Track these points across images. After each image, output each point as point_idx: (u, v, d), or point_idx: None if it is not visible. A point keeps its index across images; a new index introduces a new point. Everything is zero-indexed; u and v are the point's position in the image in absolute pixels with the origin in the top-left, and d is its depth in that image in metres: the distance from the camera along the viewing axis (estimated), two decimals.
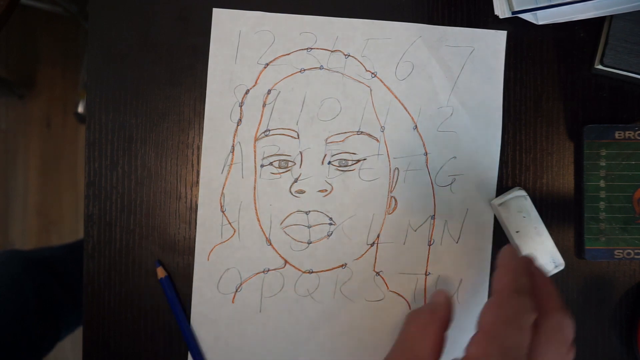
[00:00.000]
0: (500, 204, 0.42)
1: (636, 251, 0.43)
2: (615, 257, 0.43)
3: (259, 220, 0.44)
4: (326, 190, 0.44)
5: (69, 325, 0.74)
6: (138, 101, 0.44)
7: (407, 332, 0.32)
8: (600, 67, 0.43)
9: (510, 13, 0.43)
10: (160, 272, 0.44)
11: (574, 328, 0.32)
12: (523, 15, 0.43)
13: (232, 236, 0.44)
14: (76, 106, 1.29)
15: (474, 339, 0.30)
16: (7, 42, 1.35)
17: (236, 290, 0.44)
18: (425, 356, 0.31)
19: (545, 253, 0.41)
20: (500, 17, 0.43)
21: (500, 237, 0.44)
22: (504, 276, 0.32)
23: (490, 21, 0.44)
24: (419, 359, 0.31)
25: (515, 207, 0.41)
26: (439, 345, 0.32)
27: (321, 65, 0.44)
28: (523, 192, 0.41)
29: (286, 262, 0.44)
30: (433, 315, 0.33)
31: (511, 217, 0.41)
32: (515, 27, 0.44)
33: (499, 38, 0.44)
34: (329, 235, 0.44)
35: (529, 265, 0.34)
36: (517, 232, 0.41)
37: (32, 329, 0.64)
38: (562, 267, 0.42)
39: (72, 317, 0.73)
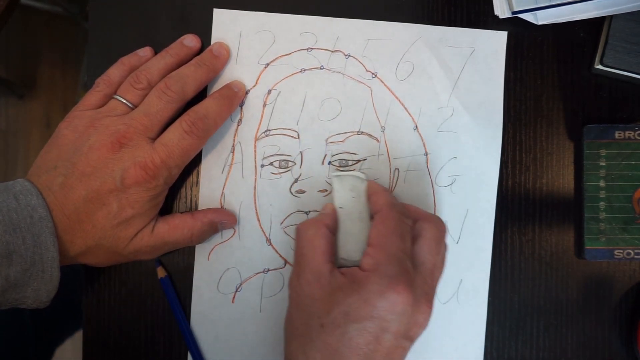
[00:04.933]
0: (337, 176, 0.41)
1: (636, 251, 0.43)
2: (615, 257, 0.43)
3: (259, 220, 0.44)
4: (326, 191, 0.44)
5: (68, 330, 0.74)
6: None
7: (299, 245, 0.37)
8: (600, 67, 0.43)
9: (510, 13, 0.43)
10: (160, 272, 0.44)
11: (445, 225, 0.38)
12: (523, 15, 0.43)
13: (232, 236, 0.44)
14: None
15: (366, 253, 0.36)
16: (7, 42, 1.35)
17: (236, 290, 0.44)
18: (318, 260, 0.36)
19: (359, 241, 0.39)
20: (500, 17, 0.43)
21: (501, 237, 0.45)
22: (380, 197, 0.38)
23: (490, 21, 0.44)
24: (314, 263, 0.36)
25: (350, 185, 0.40)
26: (329, 247, 0.37)
27: (322, 66, 0.44)
28: (363, 176, 0.40)
29: (286, 262, 0.44)
30: (318, 223, 0.38)
31: (342, 191, 0.40)
32: (515, 27, 0.44)
33: (499, 39, 0.44)
34: None
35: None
36: (341, 207, 0.39)
37: (30, 340, 0.64)
38: (357, 264, 0.37)
39: (71, 321, 0.73)
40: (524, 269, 0.45)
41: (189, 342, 0.43)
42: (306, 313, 0.35)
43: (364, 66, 0.44)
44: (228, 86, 0.43)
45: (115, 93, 0.41)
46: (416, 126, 0.44)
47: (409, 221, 0.37)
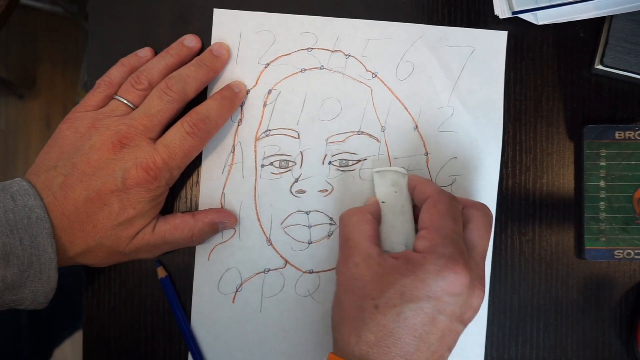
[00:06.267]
0: (378, 172, 0.41)
1: (636, 251, 0.43)
2: (615, 257, 0.43)
3: (259, 220, 0.44)
4: (327, 190, 0.44)
5: (66, 330, 0.74)
6: None
7: (344, 230, 0.37)
8: (600, 67, 0.43)
9: (511, 13, 0.43)
10: (161, 272, 0.44)
11: (491, 212, 0.38)
12: (523, 15, 0.43)
13: (232, 236, 0.44)
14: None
15: (420, 235, 0.36)
16: (7, 42, 1.35)
17: (236, 290, 0.44)
18: (366, 243, 0.36)
19: (402, 232, 0.39)
20: (501, 17, 0.43)
21: (501, 237, 0.45)
22: (427, 186, 0.38)
23: (490, 21, 0.44)
24: (362, 245, 0.36)
25: (390, 180, 0.41)
26: (375, 232, 0.37)
27: (322, 66, 0.44)
28: (404, 171, 0.41)
29: (286, 262, 0.44)
30: (362, 210, 0.38)
31: (383, 186, 0.41)
32: (516, 27, 0.44)
33: (499, 38, 0.44)
34: (329, 235, 0.44)
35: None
36: (383, 202, 0.40)
37: (26, 341, 0.64)
38: None
39: (69, 322, 0.73)
40: (524, 269, 0.45)
41: (189, 342, 0.43)
42: (357, 296, 0.35)
43: (364, 66, 0.44)
44: (229, 87, 0.43)
45: (116, 94, 0.41)
46: (416, 126, 0.44)
47: (459, 205, 0.37)
